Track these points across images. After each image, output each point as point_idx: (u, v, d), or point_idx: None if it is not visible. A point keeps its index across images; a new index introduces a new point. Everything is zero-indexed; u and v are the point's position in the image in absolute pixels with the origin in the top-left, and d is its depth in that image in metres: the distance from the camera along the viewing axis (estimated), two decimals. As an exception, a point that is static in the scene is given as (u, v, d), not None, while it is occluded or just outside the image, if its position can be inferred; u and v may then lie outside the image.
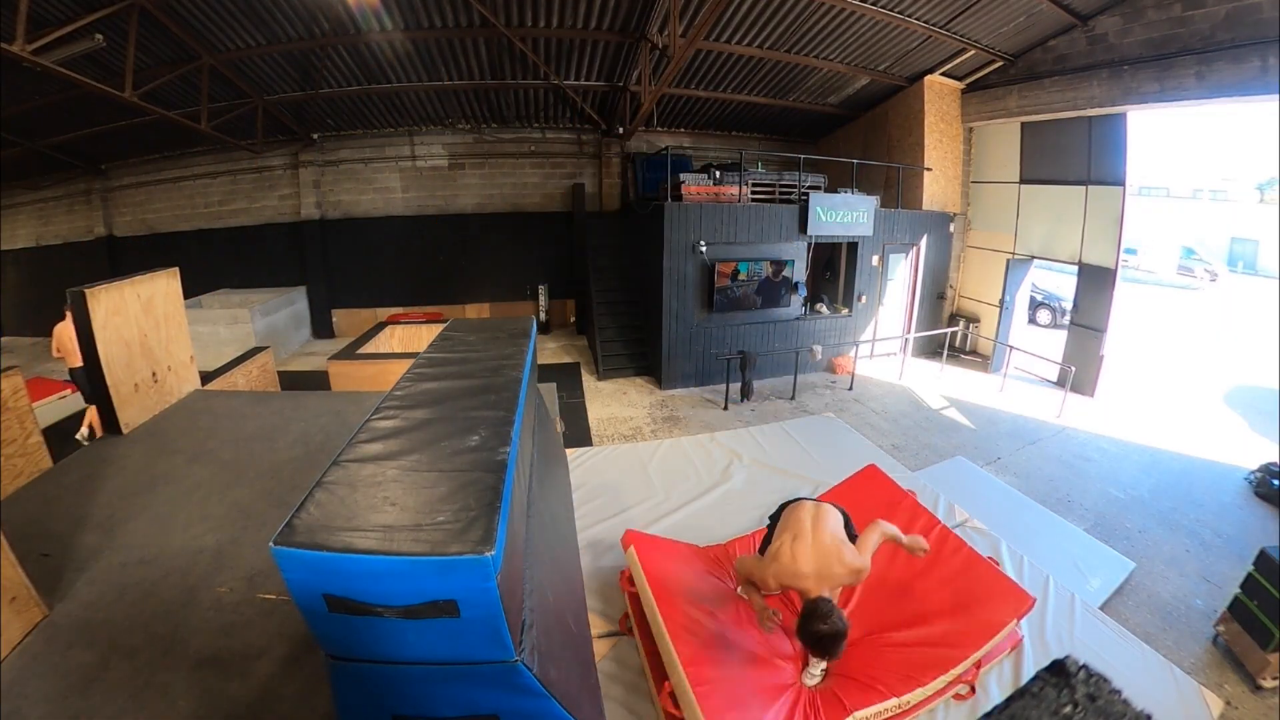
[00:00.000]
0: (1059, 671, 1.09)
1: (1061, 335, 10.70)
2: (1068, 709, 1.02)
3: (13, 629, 2.49)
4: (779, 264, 9.74)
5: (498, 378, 2.80)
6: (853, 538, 3.40)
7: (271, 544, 1.41)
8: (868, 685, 3.34)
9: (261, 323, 10.99)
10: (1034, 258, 10.67)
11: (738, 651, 3.44)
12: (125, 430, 4.57)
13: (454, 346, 3.37)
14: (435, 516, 1.56)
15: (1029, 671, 3.62)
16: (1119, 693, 1.04)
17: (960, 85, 11.14)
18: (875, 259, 10.71)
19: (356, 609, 1.47)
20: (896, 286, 11.36)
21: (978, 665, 3.55)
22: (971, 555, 4.22)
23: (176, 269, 5.49)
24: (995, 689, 3.56)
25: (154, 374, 5.02)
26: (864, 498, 4.94)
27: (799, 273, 10.00)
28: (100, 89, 7.57)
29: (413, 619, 1.48)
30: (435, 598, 1.46)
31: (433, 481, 1.81)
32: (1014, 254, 10.79)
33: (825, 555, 3.13)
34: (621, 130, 12.13)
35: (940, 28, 9.24)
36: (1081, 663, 1.09)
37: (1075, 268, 9.77)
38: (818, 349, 10.23)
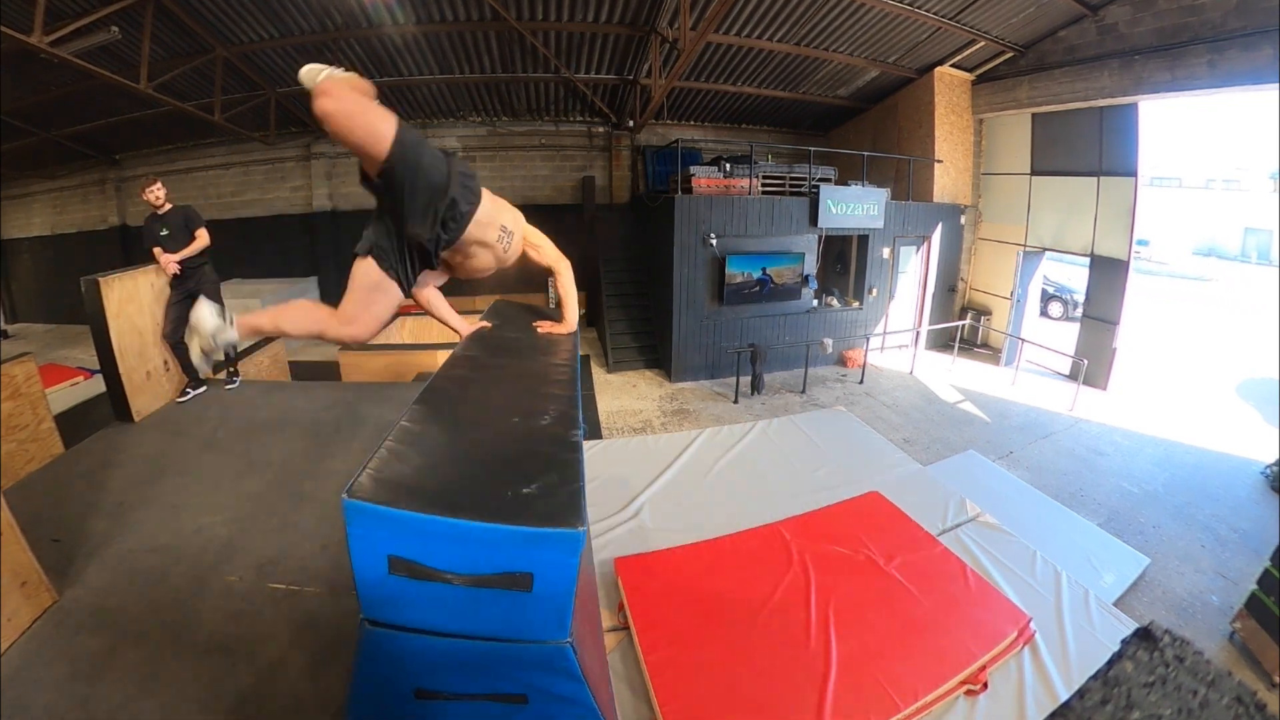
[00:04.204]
0: (1146, 636, 1.15)
1: (1074, 328, 10.60)
2: (1160, 669, 1.09)
3: (22, 614, 2.50)
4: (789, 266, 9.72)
5: (554, 359, 2.67)
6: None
7: (344, 495, 1.33)
8: (868, 703, 3.28)
9: (272, 313, 10.96)
10: (1045, 250, 10.56)
11: (732, 690, 3.37)
12: (137, 418, 4.60)
13: (505, 326, 3.13)
14: (519, 488, 1.49)
15: (1045, 668, 3.60)
16: (1201, 654, 1.10)
17: (970, 77, 11.03)
18: (886, 251, 10.64)
19: (422, 573, 1.40)
20: (907, 279, 11.28)
21: (983, 668, 3.52)
22: (972, 576, 4.26)
23: (189, 259, 5.50)
24: (1006, 686, 3.53)
25: (165, 362, 5.05)
26: (863, 521, 4.97)
27: (810, 266, 9.95)
28: (115, 80, 7.66)
29: (482, 589, 1.42)
30: (512, 569, 1.40)
31: (510, 454, 1.74)
32: (1025, 246, 10.69)
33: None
34: (632, 123, 12.10)
35: (950, 19, 9.15)
36: (1165, 627, 1.15)
37: (1087, 260, 9.67)
38: (828, 342, 10.18)
